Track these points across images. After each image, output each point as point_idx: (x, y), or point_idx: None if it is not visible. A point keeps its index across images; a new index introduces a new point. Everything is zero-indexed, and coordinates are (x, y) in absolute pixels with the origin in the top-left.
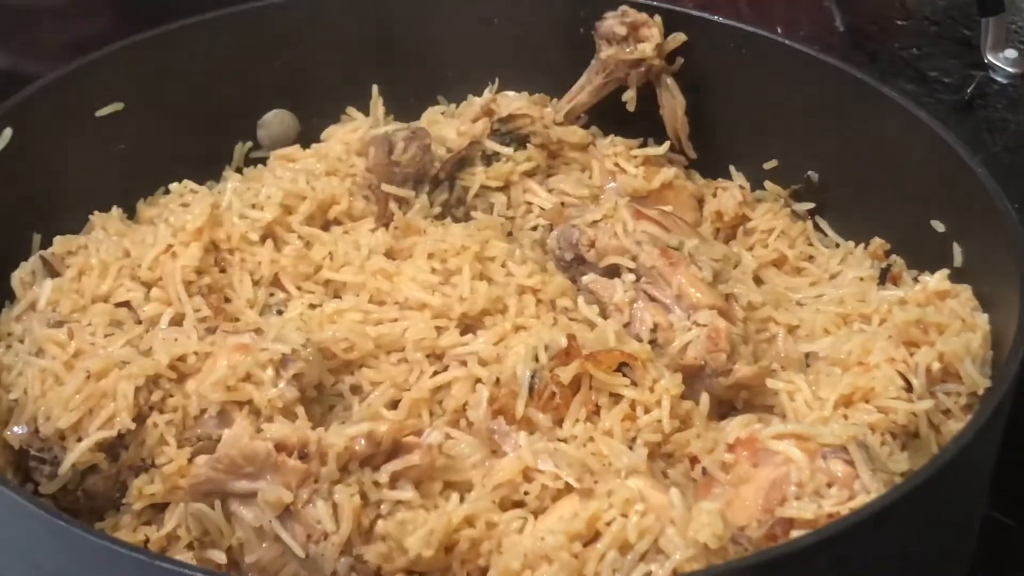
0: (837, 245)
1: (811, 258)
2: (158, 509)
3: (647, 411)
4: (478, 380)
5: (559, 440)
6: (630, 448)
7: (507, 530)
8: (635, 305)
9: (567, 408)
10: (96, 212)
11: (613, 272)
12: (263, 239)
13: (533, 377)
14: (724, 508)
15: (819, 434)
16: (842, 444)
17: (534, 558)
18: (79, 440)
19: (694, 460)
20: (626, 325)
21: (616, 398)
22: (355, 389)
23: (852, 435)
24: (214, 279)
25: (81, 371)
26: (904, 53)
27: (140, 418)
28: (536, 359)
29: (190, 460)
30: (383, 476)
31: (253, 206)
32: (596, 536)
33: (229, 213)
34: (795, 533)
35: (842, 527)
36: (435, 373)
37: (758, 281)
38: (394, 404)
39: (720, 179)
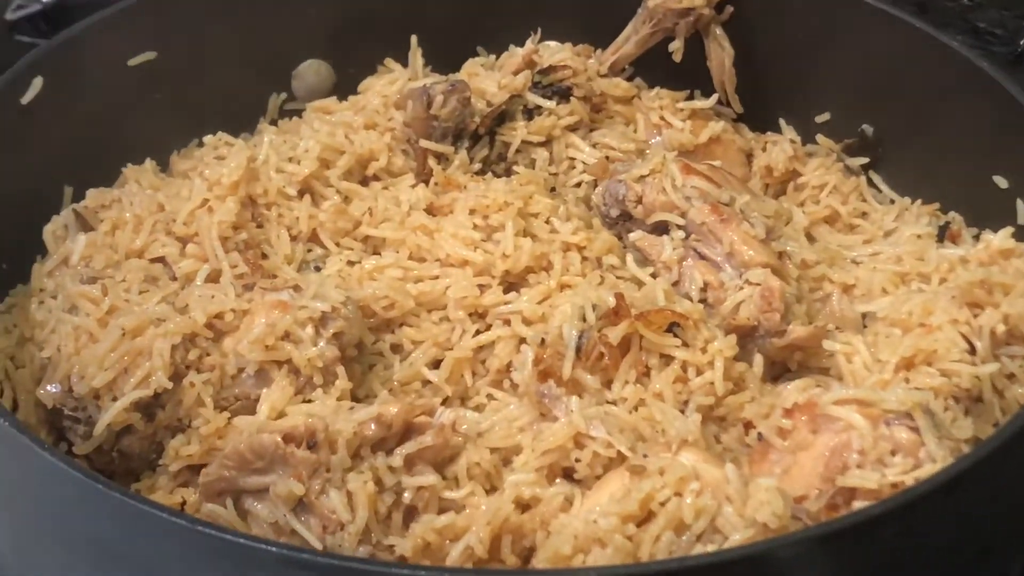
0: (892, 201)
1: (864, 215)
2: (195, 471)
3: (699, 373)
4: (522, 340)
5: (608, 403)
6: (682, 412)
7: (552, 507)
8: (684, 263)
9: (616, 369)
10: (129, 165)
11: (661, 229)
12: (300, 194)
13: (580, 337)
14: (782, 476)
15: (882, 399)
16: (906, 410)
17: (586, 541)
18: (114, 399)
19: (749, 425)
20: (675, 284)
21: (667, 359)
22: (396, 348)
23: (917, 401)
24: (251, 235)
25: (116, 328)
26: (954, 4)
27: (176, 377)
28: (583, 318)
29: (229, 421)
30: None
31: (290, 160)
32: (649, 516)
33: (266, 167)
34: (858, 504)
35: (910, 497)
36: (477, 332)
37: (810, 239)
38: (436, 363)
39: (769, 133)
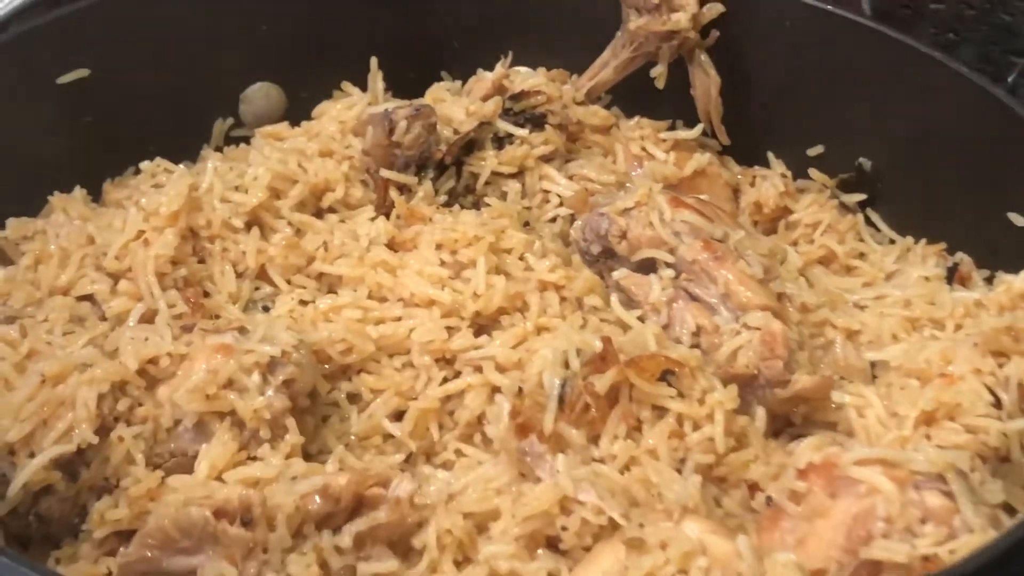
0: (892, 241)
1: (862, 255)
2: (123, 537)
3: (696, 427)
4: (495, 388)
5: (595, 460)
6: (679, 472)
7: None
8: (674, 305)
9: (604, 423)
10: (56, 193)
11: (648, 267)
12: (248, 226)
13: (563, 386)
14: (796, 547)
15: (910, 460)
16: (938, 472)
17: None
18: (31, 456)
19: (754, 488)
20: (664, 327)
21: (660, 412)
22: (353, 397)
23: (950, 462)
24: (191, 271)
25: (35, 375)
26: (940, 39)
27: (103, 431)
28: (566, 365)
29: (162, 481)
30: (346, 539)
31: (236, 189)
32: None
33: (209, 196)
34: None
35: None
36: (445, 380)
37: (803, 280)
38: (399, 415)
39: (757, 167)
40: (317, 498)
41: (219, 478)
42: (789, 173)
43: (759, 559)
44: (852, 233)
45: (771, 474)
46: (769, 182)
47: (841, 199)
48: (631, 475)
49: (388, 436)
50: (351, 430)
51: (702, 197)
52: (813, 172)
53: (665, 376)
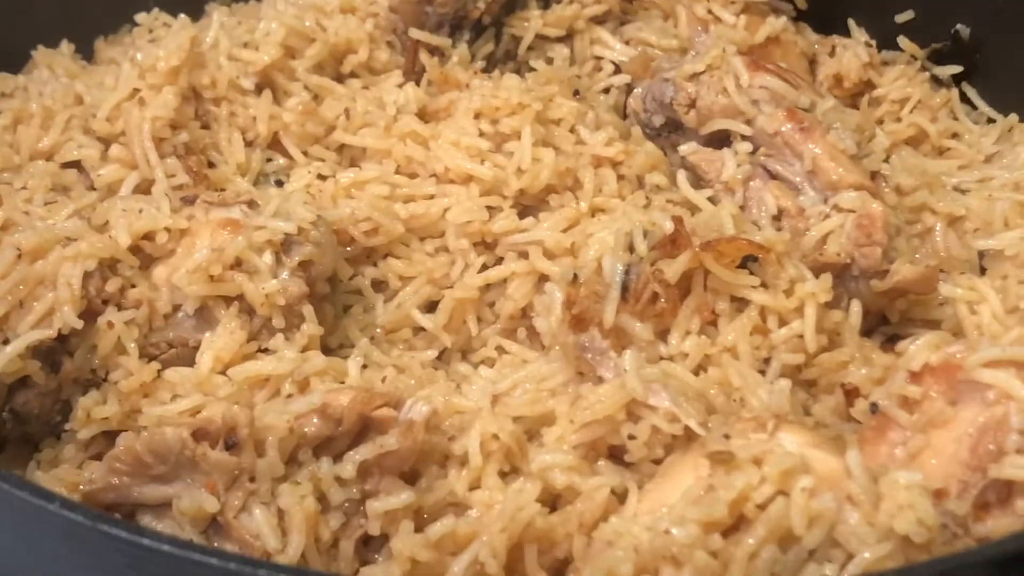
0: (991, 120)
1: (957, 135)
2: (111, 438)
3: (782, 322)
4: (543, 277)
5: (663, 359)
6: (762, 374)
7: (596, 503)
8: (752, 183)
9: (674, 315)
10: (40, 47)
11: (721, 140)
12: (259, 88)
13: (627, 273)
14: (908, 463)
15: None
16: None
17: (652, 558)
18: (5, 342)
19: (853, 393)
20: (740, 209)
21: (740, 304)
22: (379, 285)
23: None
24: (194, 136)
25: (10, 248)
26: None
27: (89, 315)
28: (631, 248)
29: (158, 375)
30: (348, 468)
31: (246, 45)
32: (742, 523)
33: (215, 52)
34: (1021, 502)
35: None
36: (485, 267)
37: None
38: (431, 305)
39: (837, 35)
40: (315, 419)
41: (224, 373)
42: (874, 42)
43: (874, 479)
44: (945, 110)
45: (874, 377)
46: (851, 52)
47: (933, 72)
48: (707, 377)
49: (419, 329)
50: (377, 321)
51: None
52: (901, 41)
53: (746, 263)
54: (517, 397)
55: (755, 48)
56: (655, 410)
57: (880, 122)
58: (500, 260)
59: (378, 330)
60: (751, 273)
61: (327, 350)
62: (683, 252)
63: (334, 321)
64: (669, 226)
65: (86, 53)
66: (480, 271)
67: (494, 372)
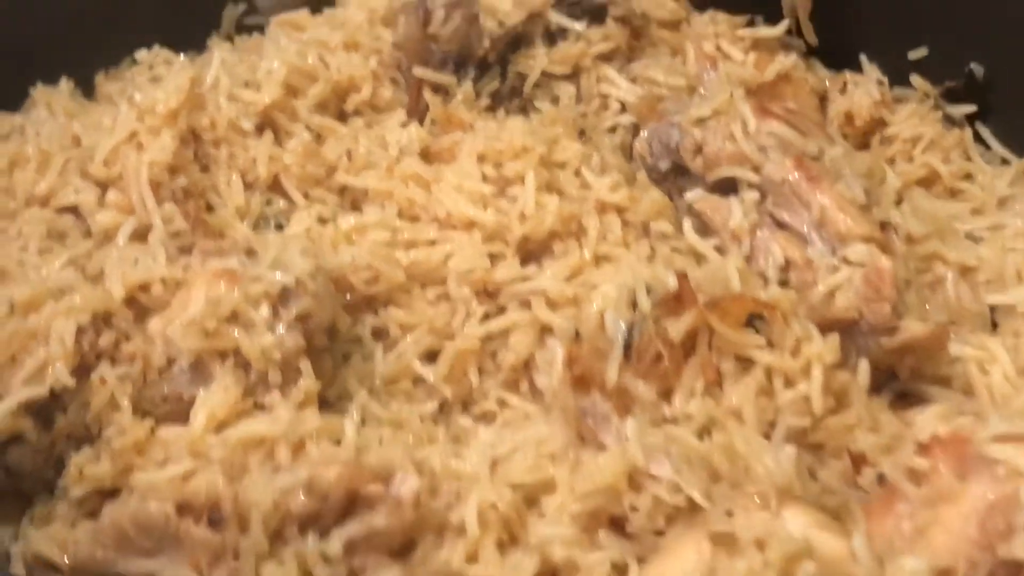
0: (1005, 161)
1: (970, 177)
2: (106, 497)
3: (789, 383)
4: (546, 328)
5: (666, 421)
6: (766, 437)
7: None
8: (759, 233)
9: (678, 375)
10: (40, 84)
11: (727, 188)
12: (259, 129)
13: (630, 331)
14: (915, 538)
15: None
16: None
17: None
18: None
19: (860, 459)
20: (746, 260)
21: (746, 364)
22: (379, 334)
23: None
24: (192, 180)
25: (2, 302)
26: None
27: (83, 370)
28: (633, 305)
29: (152, 432)
30: (335, 545)
31: (247, 85)
32: None
33: (215, 93)
34: None
35: None
36: (487, 316)
37: (900, 204)
38: (432, 355)
39: (849, 72)
40: (301, 494)
41: (219, 431)
42: (886, 79)
43: (880, 563)
44: (959, 151)
45: (882, 444)
46: (862, 89)
47: (946, 111)
48: (712, 442)
49: (419, 380)
50: (376, 372)
51: (789, 106)
52: (914, 79)
53: (752, 321)
54: (517, 463)
55: (765, 86)
56: (658, 480)
57: (892, 161)
58: (502, 309)
59: (377, 381)
60: (757, 331)
61: (325, 403)
62: (688, 310)
63: (332, 372)
64: (673, 282)
65: (87, 87)
66: (482, 320)
67: (493, 434)
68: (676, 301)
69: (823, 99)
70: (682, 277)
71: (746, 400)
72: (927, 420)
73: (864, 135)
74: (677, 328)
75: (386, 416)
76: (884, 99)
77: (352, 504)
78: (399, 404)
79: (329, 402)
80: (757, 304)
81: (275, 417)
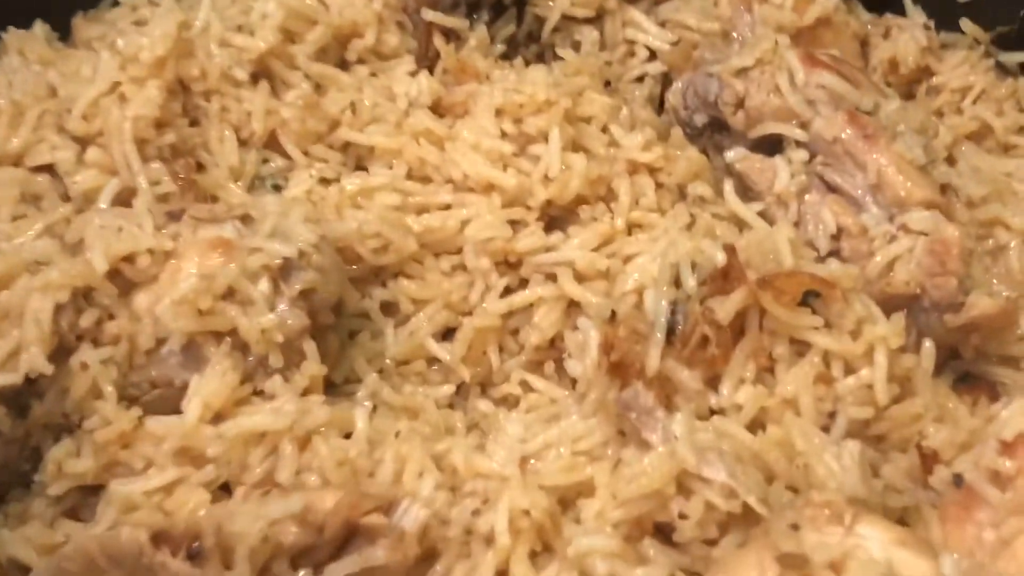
0: None
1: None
2: (88, 493)
3: (848, 369)
4: (573, 303)
5: (713, 411)
6: (825, 430)
7: None
8: (807, 197)
9: (726, 361)
10: (11, 28)
11: (772, 146)
12: (254, 78)
13: (674, 312)
14: (999, 549)
15: None
16: None
17: None
18: None
19: (931, 457)
20: (793, 226)
21: (800, 347)
22: (389, 308)
23: None
24: (181, 136)
25: None
26: None
27: (61, 353)
28: (676, 283)
29: (140, 422)
30: None
31: (240, 29)
32: None
33: (205, 38)
34: None
35: None
36: (508, 290)
37: (950, 162)
38: (447, 333)
39: (892, 15)
40: (293, 527)
41: (215, 421)
42: (932, 23)
43: None
44: (1012, 102)
45: (957, 442)
46: (907, 34)
47: (998, 58)
48: (766, 437)
49: (434, 360)
50: (387, 352)
51: (832, 53)
52: (963, 23)
53: (807, 299)
54: (550, 461)
55: (804, 31)
56: (709, 483)
57: (939, 114)
58: (525, 282)
59: (388, 361)
60: (813, 312)
61: (332, 386)
62: (737, 289)
63: (339, 351)
64: (721, 257)
65: (64, 31)
66: (503, 294)
67: (521, 426)
68: (724, 278)
69: (864, 45)
70: (730, 251)
71: (802, 388)
72: (1012, 416)
73: (909, 84)
74: (726, 309)
75: (399, 402)
76: (931, 45)
77: (350, 536)
78: (413, 387)
79: (336, 385)
80: (814, 281)
81: (278, 409)
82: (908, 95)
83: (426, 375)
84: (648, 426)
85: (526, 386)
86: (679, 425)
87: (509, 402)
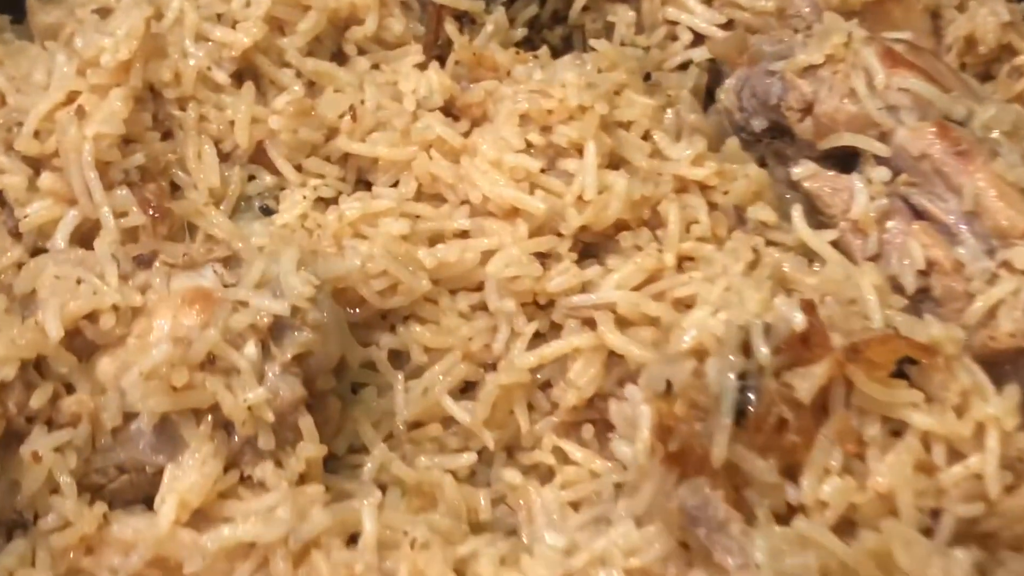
0: None
1: None
2: None
3: (954, 454)
4: (611, 353)
5: (791, 506)
6: (926, 533)
7: None
8: (889, 224)
9: (809, 449)
10: None
11: (846, 160)
12: (237, 79)
13: (744, 388)
14: None
15: None
16: None
17: None
18: None
19: None
20: (871, 259)
21: (896, 427)
22: (398, 359)
23: None
24: (152, 153)
25: None
26: None
27: (10, 438)
28: (743, 350)
29: (105, 518)
30: None
31: (219, 18)
32: None
33: (178, 32)
34: None
35: None
36: (538, 335)
37: None
38: (465, 389)
39: None
40: None
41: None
42: None
43: None
44: None
45: None
46: (987, 8)
47: None
48: (859, 547)
49: (451, 421)
50: (397, 413)
51: (904, 37)
52: None
53: (901, 367)
54: None
55: (870, 6)
56: None
57: (1022, 99)
58: (556, 326)
59: (399, 426)
60: (910, 384)
61: (331, 458)
62: (820, 359)
63: (340, 414)
64: (800, 319)
65: (16, 15)
66: (531, 342)
67: (563, 538)
68: (803, 344)
69: (936, 18)
70: (810, 309)
71: (900, 481)
72: None
73: (987, 65)
74: (808, 385)
75: (412, 479)
76: (1013, 20)
77: None
78: (428, 458)
79: (337, 459)
80: (912, 348)
81: (270, 514)
82: (986, 76)
83: (443, 441)
84: (721, 546)
85: (560, 454)
86: (761, 550)
87: (541, 472)
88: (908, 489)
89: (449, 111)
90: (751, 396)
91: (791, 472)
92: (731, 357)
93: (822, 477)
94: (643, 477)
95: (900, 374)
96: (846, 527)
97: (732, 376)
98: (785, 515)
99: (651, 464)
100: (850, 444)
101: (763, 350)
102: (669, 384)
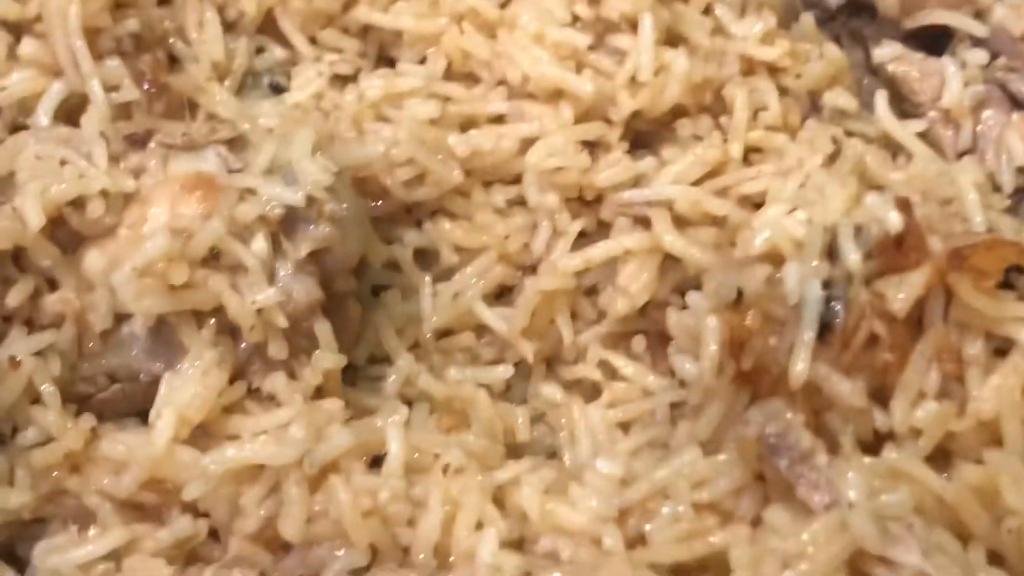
0: None
1: None
2: (31, 526)
3: None
4: (667, 256)
5: (879, 434)
6: None
7: None
8: (985, 114)
9: (902, 368)
10: None
11: (935, 41)
12: None
13: (829, 298)
14: None
15: None
16: None
17: None
18: None
19: None
20: (964, 153)
21: (1001, 345)
22: (426, 258)
23: None
24: (147, 20)
25: None
26: None
27: None
28: (829, 254)
29: (93, 434)
30: None
31: None
32: None
33: None
34: None
35: None
36: (583, 234)
37: None
38: (500, 294)
39: None
40: None
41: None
42: None
43: None
44: None
45: None
46: None
47: None
48: (960, 483)
49: (485, 329)
50: (424, 319)
51: None
52: None
53: (1008, 277)
54: (662, 522)
55: None
56: (896, 568)
57: None
58: (605, 226)
59: (427, 335)
60: (1018, 297)
61: (352, 370)
62: (917, 266)
63: (361, 320)
64: (895, 219)
65: None
66: (576, 243)
67: (617, 464)
68: (897, 248)
69: None
70: (906, 209)
71: (1005, 405)
72: None
73: None
74: (903, 294)
75: (441, 394)
76: None
77: None
78: (459, 370)
79: (357, 369)
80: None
81: (280, 437)
82: None
83: (475, 352)
84: (806, 480)
85: (608, 369)
86: (855, 486)
87: (585, 389)
88: (1015, 415)
89: None
90: (837, 308)
91: (880, 395)
92: (814, 263)
93: (916, 401)
94: (709, 397)
95: (1006, 284)
96: (942, 458)
97: (817, 285)
98: (871, 444)
99: (719, 383)
100: (949, 363)
101: (853, 256)
102: (740, 292)
